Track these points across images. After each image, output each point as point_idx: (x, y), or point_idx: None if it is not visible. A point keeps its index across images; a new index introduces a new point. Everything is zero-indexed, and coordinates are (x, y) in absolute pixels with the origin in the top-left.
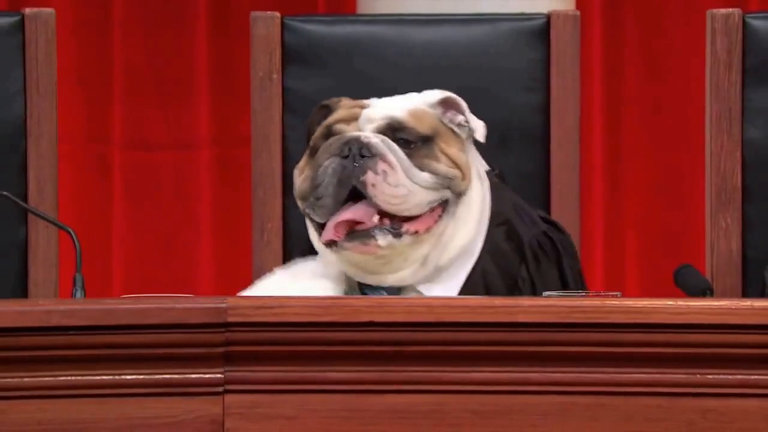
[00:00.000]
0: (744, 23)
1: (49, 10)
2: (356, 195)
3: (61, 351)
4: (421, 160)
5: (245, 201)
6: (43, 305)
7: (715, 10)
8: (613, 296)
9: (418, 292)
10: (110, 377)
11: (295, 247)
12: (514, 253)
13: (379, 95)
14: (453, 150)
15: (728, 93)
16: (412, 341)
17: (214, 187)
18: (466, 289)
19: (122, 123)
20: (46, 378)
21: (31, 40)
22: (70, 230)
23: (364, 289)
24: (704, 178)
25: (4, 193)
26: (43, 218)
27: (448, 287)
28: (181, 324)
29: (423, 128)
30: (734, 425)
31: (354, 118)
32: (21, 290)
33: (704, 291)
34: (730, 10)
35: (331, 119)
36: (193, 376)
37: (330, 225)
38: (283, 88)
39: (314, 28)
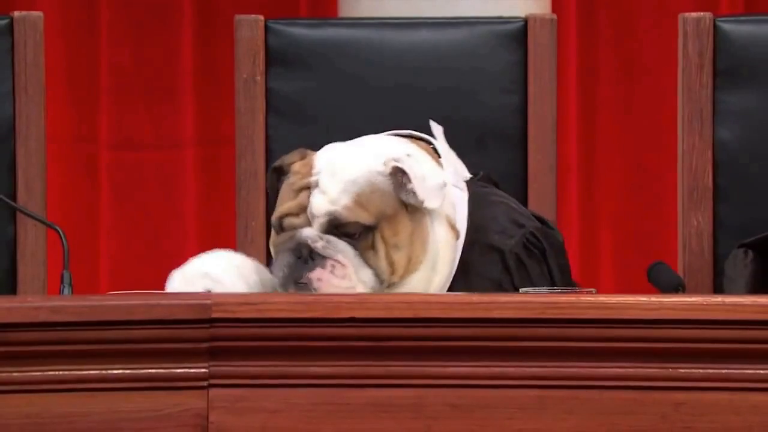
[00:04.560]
0: (715, 27)
1: (38, 13)
2: None
3: (49, 346)
4: (364, 252)
5: (229, 200)
6: (32, 302)
7: (686, 14)
8: (588, 293)
9: None
10: (97, 372)
11: None
12: (497, 263)
13: (361, 96)
14: (395, 238)
15: (699, 95)
16: (392, 336)
17: (198, 186)
18: None
19: (109, 123)
20: (35, 373)
21: (20, 42)
22: (58, 228)
23: None
24: (676, 177)
25: None
26: (31, 217)
27: None
28: (167, 320)
29: (367, 218)
30: (705, 418)
31: (302, 209)
32: (9, 287)
33: (676, 287)
34: (702, 13)
35: (281, 209)
36: (179, 370)
37: None
38: (267, 90)
39: (297, 30)
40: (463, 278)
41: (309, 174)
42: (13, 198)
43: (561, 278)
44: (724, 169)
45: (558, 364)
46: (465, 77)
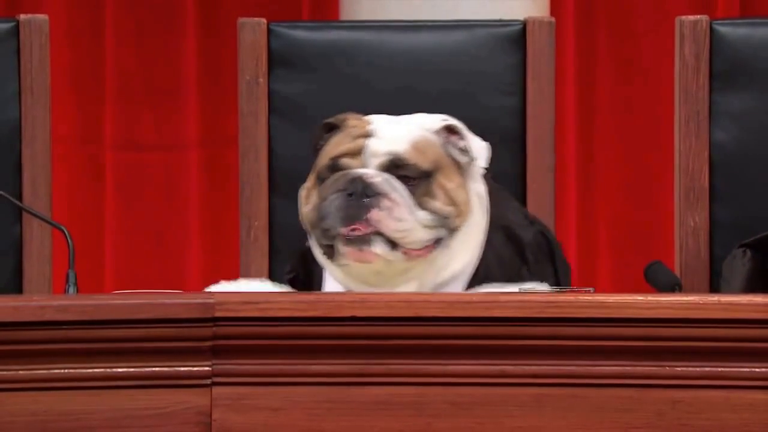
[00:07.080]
0: (711, 29)
1: (43, 16)
2: None
3: (54, 345)
4: (420, 197)
5: (232, 200)
6: (37, 301)
7: (683, 17)
8: (586, 292)
9: None
10: (102, 370)
11: (281, 245)
12: (515, 255)
13: (362, 97)
14: (452, 184)
15: (696, 96)
16: (392, 335)
17: (202, 187)
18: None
19: (114, 125)
20: (40, 371)
21: (26, 45)
22: (64, 228)
23: None
24: (673, 178)
25: (0, 192)
26: (37, 217)
27: None
28: (171, 319)
29: (425, 163)
30: (701, 415)
31: (359, 152)
32: (15, 286)
33: (673, 287)
34: (698, 16)
35: (336, 151)
36: (182, 368)
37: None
38: (269, 91)
39: (299, 33)
40: (484, 258)
41: (366, 125)
42: (19, 198)
43: (565, 278)
44: (720, 169)
45: (556, 362)
46: (465, 79)
